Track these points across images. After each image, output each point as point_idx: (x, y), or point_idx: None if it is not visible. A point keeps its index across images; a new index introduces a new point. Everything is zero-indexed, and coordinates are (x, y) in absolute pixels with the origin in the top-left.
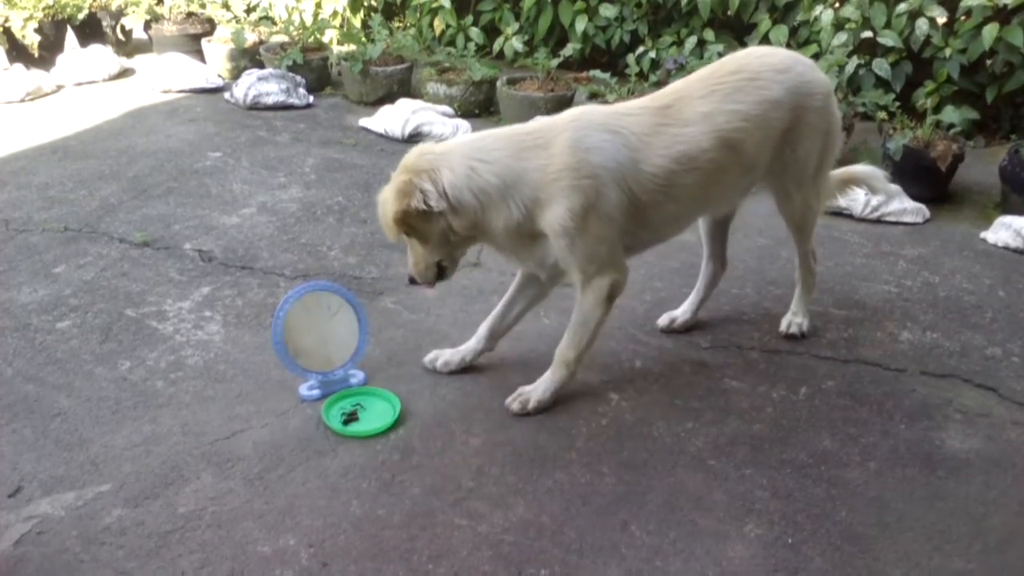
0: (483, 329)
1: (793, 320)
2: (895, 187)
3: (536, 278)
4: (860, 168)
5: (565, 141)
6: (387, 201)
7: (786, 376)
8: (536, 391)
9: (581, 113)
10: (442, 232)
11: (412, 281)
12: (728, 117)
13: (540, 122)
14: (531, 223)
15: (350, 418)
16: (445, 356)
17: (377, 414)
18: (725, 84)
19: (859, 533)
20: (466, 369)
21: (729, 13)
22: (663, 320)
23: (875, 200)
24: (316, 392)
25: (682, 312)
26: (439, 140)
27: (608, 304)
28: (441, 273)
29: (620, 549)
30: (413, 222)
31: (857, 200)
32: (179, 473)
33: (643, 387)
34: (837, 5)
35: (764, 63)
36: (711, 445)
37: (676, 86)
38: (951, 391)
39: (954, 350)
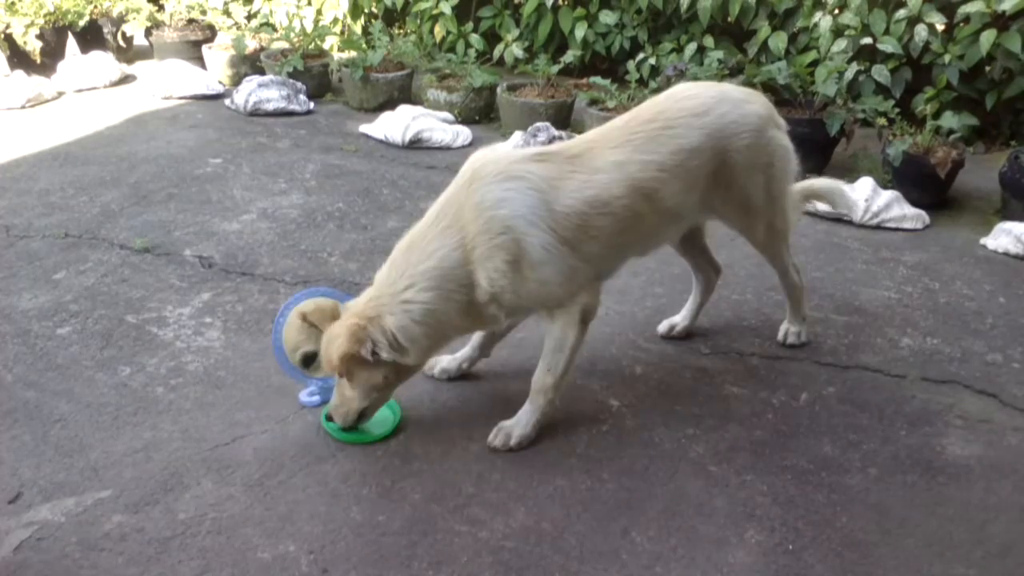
0: (477, 337)
1: (790, 329)
2: (854, 198)
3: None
4: (820, 182)
5: (471, 207)
6: (335, 340)
7: (787, 382)
8: (517, 425)
9: (478, 168)
10: (378, 380)
11: (329, 419)
12: (641, 167)
13: (443, 199)
14: (476, 301)
15: None
16: (443, 363)
17: (377, 420)
18: (639, 134)
19: (860, 539)
20: (466, 376)
21: (729, 20)
22: (663, 327)
23: (875, 206)
24: (316, 398)
25: (681, 318)
26: (440, 146)
27: (582, 327)
28: (361, 418)
29: (621, 555)
30: (354, 367)
31: (857, 206)
32: (179, 479)
33: (644, 393)
34: (836, 12)
35: (682, 107)
36: (712, 451)
37: (588, 136)
38: (952, 397)
39: (955, 356)
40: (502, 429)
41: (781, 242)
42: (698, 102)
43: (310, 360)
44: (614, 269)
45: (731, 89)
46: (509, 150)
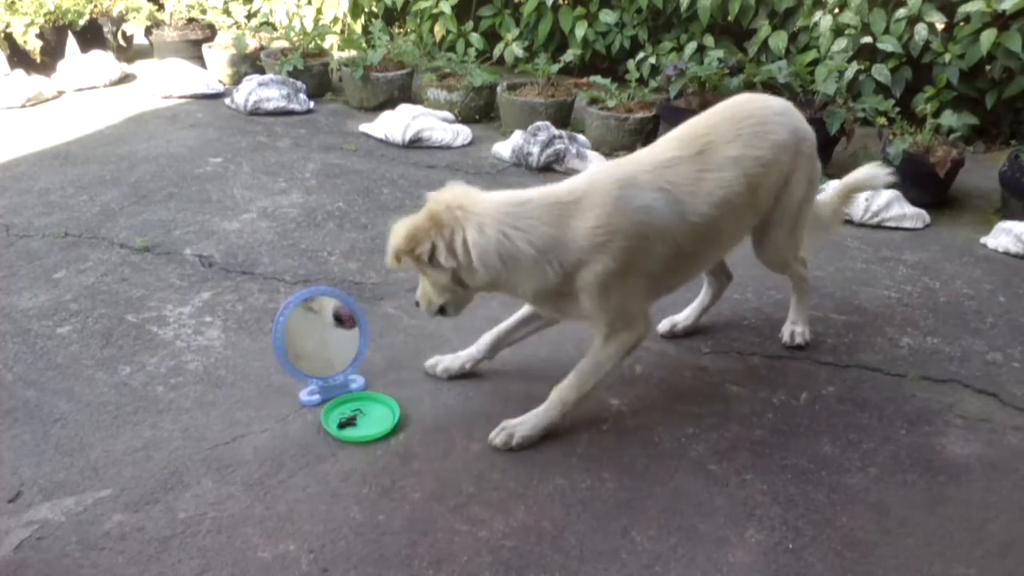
0: (486, 340)
1: (795, 330)
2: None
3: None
4: (853, 174)
5: (614, 202)
6: (399, 231)
7: (786, 381)
8: (523, 426)
9: (624, 172)
10: (448, 282)
11: (418, 304)
12: (752, 162)
13: (583, 181)
14: (567, 282)
15: (346, 423)
16: (445, 362)
17: (377, 419)
18: (744, 130)
19: (860, 539)
20: (467, 375)
21: (729, 19)
22: (664, 325)
23: (875, 205)
24: (316, 397)
25: (683, 318)
26: (440, 145)
27: (624, 357)
28: (442, 312)
29: (621, 555)
30: (418, 264)
31: (857, 205)
32: (179, 478)
33: (644, 392)
34: (837, 11)
35: (767, 107)
36: (712, 450)
37: (698, 130)
38: (951, 396)
39: (954, 355)
40: (505, 428)
41: (788, 258)
42: (776, 104)
43: (341, 319)
44: (697, 276)
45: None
46: (649, 154)
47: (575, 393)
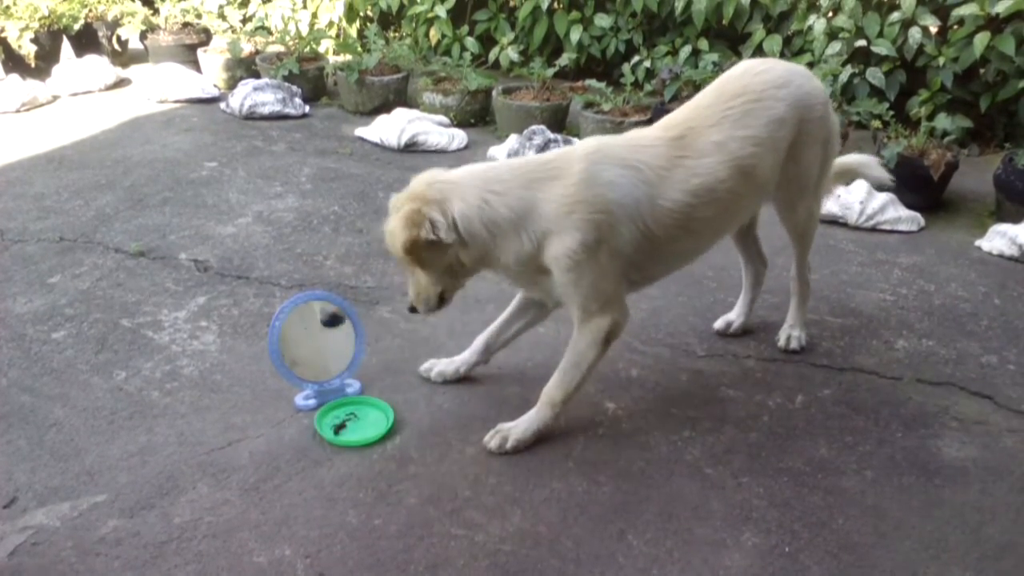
0: (479, 342)
1: (792, 334)
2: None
3: (537, 299)
4: (851, 157)
5: (580, 173)
6: (395, 231)
7: (782, 384)
8: (516, 429)
9: (599, 146)
10: (449, 263)
11: (413, 310)
12: (741, 144)
13: (554, 153)
14: (538, 256)
15: (339, 427)
16: (440, 366)
17: (371, 423)
18: (733, 109)
19: (856, 542)
20: (462, 379)
21: (723, 23)
22: (719, 323)
23: (870, 208)
24: (312, 402)
25: (736, 315)
26: (435, 149)
27: (604, 346)
28: (442, 302)
29: (617, 558)
30: (421, 252)
31: (852, 208)
32: (175, 483)
33: (640, 396)
34: (831, 14)
35: (764, 80)
36: (708, 454)
37: (685, 114)
38: (947, 399)
39: (950, 358)
40: (500, 431)
41: (814, 228)
42: (776, 74)
43: (336, 319)
44: (684, 266)
45: (796, 66)
46: (630, 134)
47: (561, 391)
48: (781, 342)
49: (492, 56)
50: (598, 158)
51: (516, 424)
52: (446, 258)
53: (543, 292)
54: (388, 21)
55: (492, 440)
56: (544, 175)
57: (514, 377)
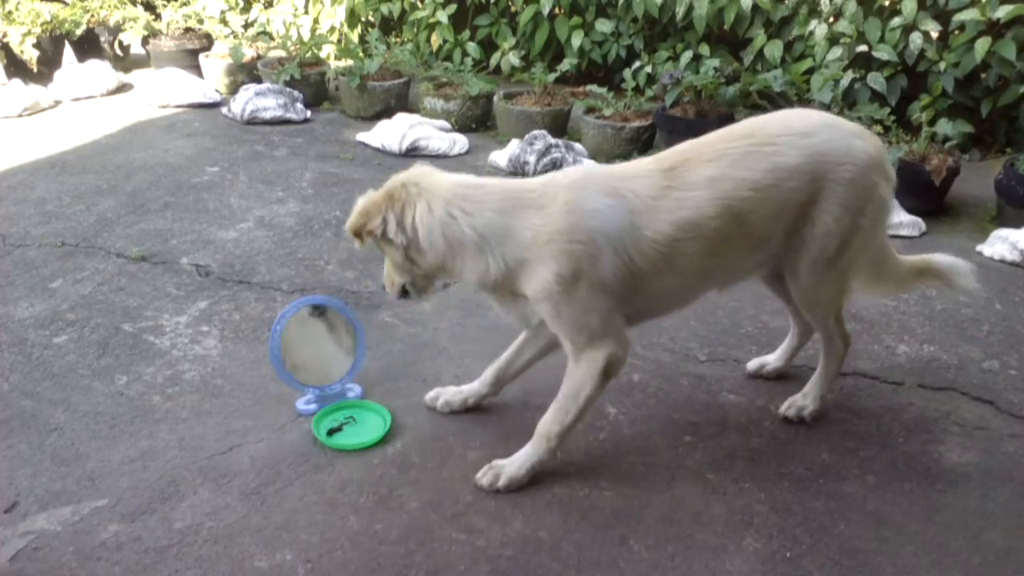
0: (489, 373)
1: (796, 402)
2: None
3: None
4: (941, 258)
5: (563, 202)
6: (353, 212)
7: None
8: (511, 466)
9: (585, 174)
10: (402, 260)
11: (384, 287)
12: (735, 184)
13: (542, 179)
14: (512, 282)
15: (335, 430)
16: (447, 396)
17: (368, 427)
18: (735, 149)
19: (858, 547)
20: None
21: (724, 28)
22: (752, 364)
23: None
24: (313, 406)
25: (775, 359)
26: (437, 154)
27: (603, 380)
28: (405, 295)
29: (618, 564)
30: (375, 240)
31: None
32: (176, 488)
33: (641, 401)
34: (832, 20)
35: (787, 127)
36: (709, 459)
37: (685, 147)
38: (949, 404)
39: (951, 363)
40: (493, 468)
41: (826, 310)
42: (804, 123)
43: (320, 310)
44: (689, 302)
45: (845, 121)
46: (622, 165)
47: (557, 426)
48: (782, 408)
49: (493, 61)
50: (583, 186)
51: (511, 461)
52: (401, 256)
53: (520, 316)
54: (389, 26)
55: (484, 477)
56: (526, 202)
57: (516, 381)
